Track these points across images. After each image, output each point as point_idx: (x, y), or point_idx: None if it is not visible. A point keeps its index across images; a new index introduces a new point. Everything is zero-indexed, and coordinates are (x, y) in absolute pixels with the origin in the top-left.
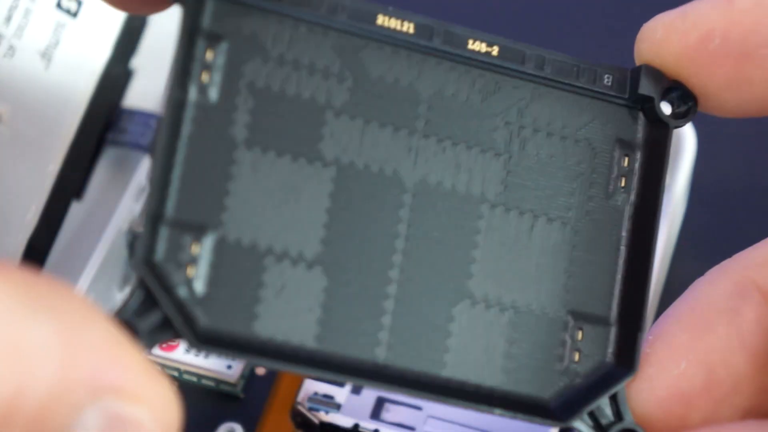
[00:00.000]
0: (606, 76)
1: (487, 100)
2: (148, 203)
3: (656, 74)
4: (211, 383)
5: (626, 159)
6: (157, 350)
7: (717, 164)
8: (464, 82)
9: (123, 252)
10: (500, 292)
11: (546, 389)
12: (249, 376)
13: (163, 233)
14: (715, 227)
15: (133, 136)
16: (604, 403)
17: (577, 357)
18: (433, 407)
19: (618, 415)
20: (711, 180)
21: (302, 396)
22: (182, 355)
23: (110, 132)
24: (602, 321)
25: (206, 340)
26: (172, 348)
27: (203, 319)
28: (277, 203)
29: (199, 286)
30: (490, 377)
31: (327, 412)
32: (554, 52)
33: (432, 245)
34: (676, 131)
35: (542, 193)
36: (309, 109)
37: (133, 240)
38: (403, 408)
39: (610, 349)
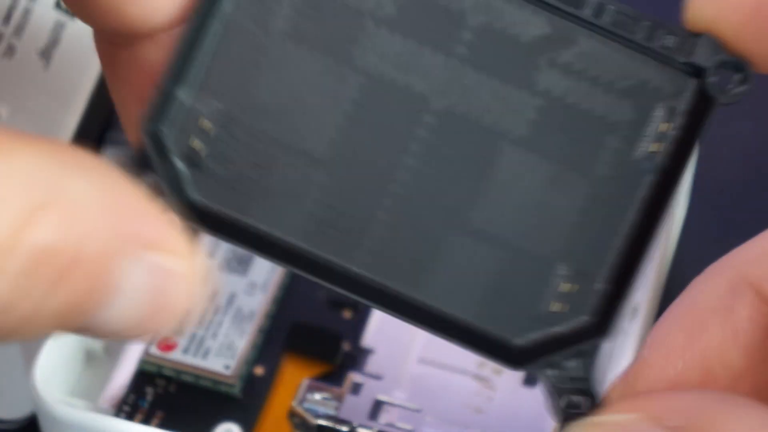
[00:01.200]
0: (666, 35)
1: (535, 40)
2: (170, 67)
3: (715, 45)
4: (208, 383)
5: (666, 125)
6: (155, 350)
7: (718, 164)
8: (516, 18)
9: None
10: (498, 229)
11: (516, 332)
12: (247, 377)
13: (178, 100)
14: (717, 227)
15: None
16: (572, 361)
17: (557, 307)
18: (432, 409)
19: (583, 376)
20: (712, 179)
21: (300, 397)
22: (181, 355)
23: (110, 132)
24: (592, 278)
25: (193, 214)
26: (170, 348)
27: (195, 192)
28: (297, 97)
29: (200, 160)
30: (464, 309)
31: (325, 414)
32: (616, 2)
33: (441, 169)
34: None
35: (570, 142)
36: (351, 13)
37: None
38: (402, 410)
39: (592, 308)
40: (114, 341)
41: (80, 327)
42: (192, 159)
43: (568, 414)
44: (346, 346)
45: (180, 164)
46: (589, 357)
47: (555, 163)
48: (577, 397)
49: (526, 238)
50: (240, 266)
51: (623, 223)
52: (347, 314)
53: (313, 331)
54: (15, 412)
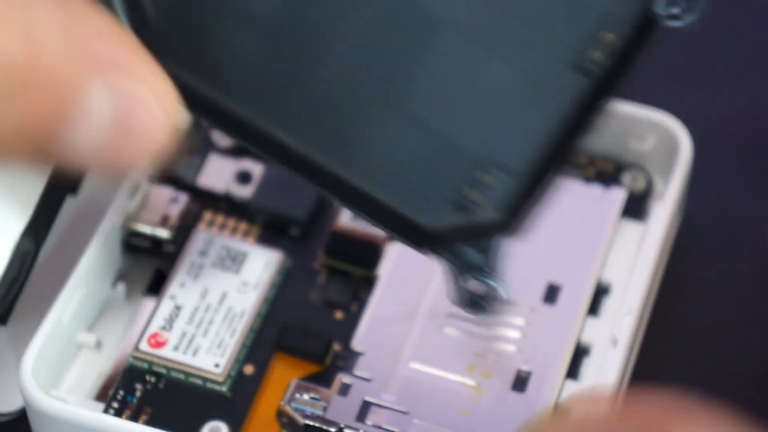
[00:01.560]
0: None
1: None
2: None
3: None
4: (198, 381)
5: (611, 36)
6: (145, 346)
7: (714, 163)
8: None
9: (116, 247)
10: (428, 114)
11: (429, 216)
12: (236, 376)
13: None
14: (715, 224)
15: None
16: (477, 250)
17: (475, 197)
18: (420, 412)
19: (486, 265)
20: (709, 178)
21: (288, 397)
22: (171, 352)
23: None
24: (512, 173)
25: (149, 36)
26: (161, 345)
27: (153, 15)
28: None
29: (146, 17)
30: (385, 190)
31: (313, 414)
32: None
33: (380, 49)
34: (673, 131)
35: (513, 38)
36: None
37: None
38: (389, 412)
39: (507, 201)
40: (82, 169)
41: (46, 149)
42: (139, 15)
43: (468, 299)
44: (336, 348)
45: (125, 19)
46: (493, 248)
47: (491, 55)
48: (478, 284)
49: (453, 126)
50: (233, 265)
51: (549, 123)
52: (338, 315)
53: (304, 332)
54: (7, 404)
